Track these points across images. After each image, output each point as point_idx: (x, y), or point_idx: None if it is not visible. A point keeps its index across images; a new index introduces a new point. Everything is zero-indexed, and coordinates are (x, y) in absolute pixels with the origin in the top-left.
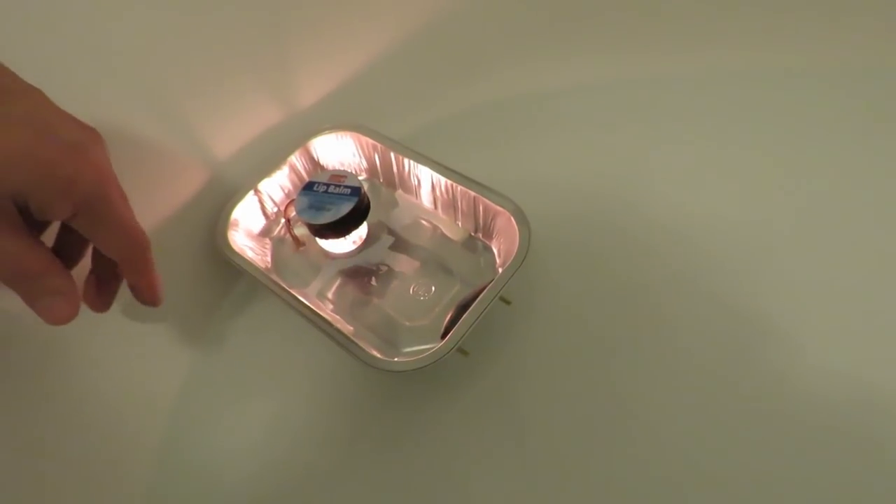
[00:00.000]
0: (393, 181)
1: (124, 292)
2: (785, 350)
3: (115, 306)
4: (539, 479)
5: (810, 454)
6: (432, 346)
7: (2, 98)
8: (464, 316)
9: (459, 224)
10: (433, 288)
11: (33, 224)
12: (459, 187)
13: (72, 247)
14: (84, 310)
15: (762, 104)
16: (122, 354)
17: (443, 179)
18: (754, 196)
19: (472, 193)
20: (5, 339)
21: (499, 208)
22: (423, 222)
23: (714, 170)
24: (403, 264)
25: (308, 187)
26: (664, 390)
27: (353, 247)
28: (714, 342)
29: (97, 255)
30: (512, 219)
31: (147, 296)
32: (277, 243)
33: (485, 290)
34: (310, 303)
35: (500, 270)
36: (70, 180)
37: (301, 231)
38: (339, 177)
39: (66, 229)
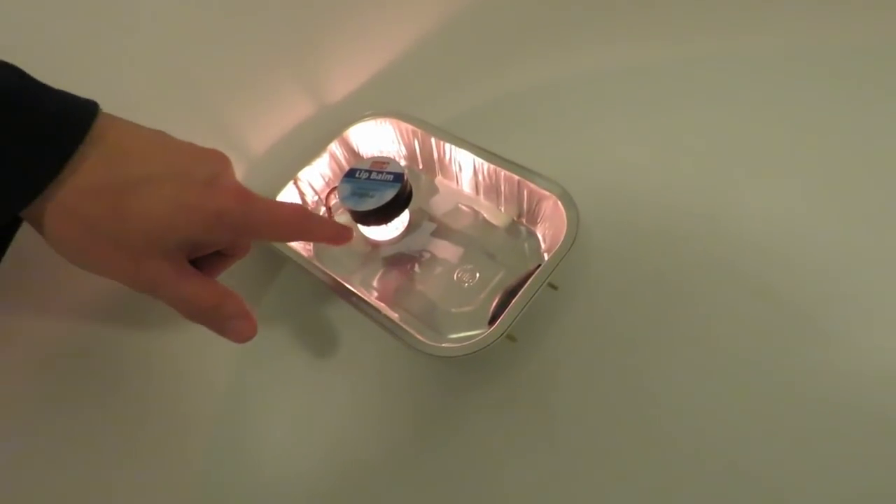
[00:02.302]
0: (433, 167)
1: None
2: (825, 341)
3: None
4: (575, 463)
5: (847, 446)
6: (480, 333)
7: (137, 157)
8: (513, 301)
9: (502, 209)
10: (477, 274)
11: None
12: (503, 172)
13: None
14: (139, 308)
15: (801, 85)
16: (173, 345)
17: (485, 164)
18: (798, 181)
19: (516, 178)
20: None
21: (544, 192)
22: (465, 208)
23: (761, 154)
24: (446, 251)
25: (350, 174)
26: (703, 381)
27: (396, 234)
28: (755, 332)
29: None
30: (559, 202)
31: (333, 239)
32: None
33: (533, 275)
34: (354, 289)
35: (546, 255)
36: (217, 214)
37: (343, 219)
38: (381, 163)
39: None
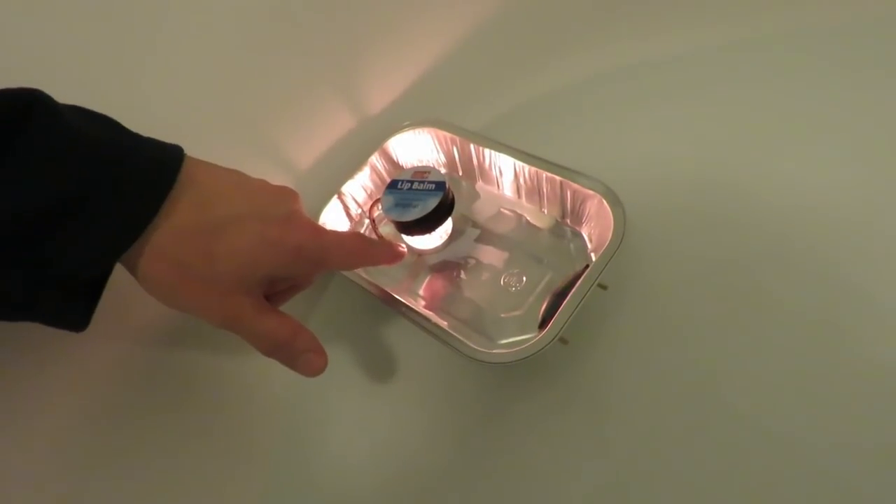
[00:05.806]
0: (473, 173)
1: None
2: (886, 334)
3: None
4: (630, 467)
5: None
6: (531, 337)
7: (222, 198)
8: (563, 303)
9: (545, 211)
10: (524, 278)
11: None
12: (545, 174)
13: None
14: (201, 332)
15: (860, 61)
16: (233, 361)
17: (526, 167)
18: (863, 164)
19: (559, 178)
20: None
21: (588, 191)
22: (508, 213)
23: (819, 136)
24: (491, 256)
25: (392, 186)
26: (766, 379)
27: (440, 242)
28: (819, 321)
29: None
30: (603, 201)
31: (392, 260)
32: None
33: (582, 276)
34: (402, 299)
35: (593, 255)
36: (297, 249)
37: (386, 230)
38: (422, 173)
39: None
